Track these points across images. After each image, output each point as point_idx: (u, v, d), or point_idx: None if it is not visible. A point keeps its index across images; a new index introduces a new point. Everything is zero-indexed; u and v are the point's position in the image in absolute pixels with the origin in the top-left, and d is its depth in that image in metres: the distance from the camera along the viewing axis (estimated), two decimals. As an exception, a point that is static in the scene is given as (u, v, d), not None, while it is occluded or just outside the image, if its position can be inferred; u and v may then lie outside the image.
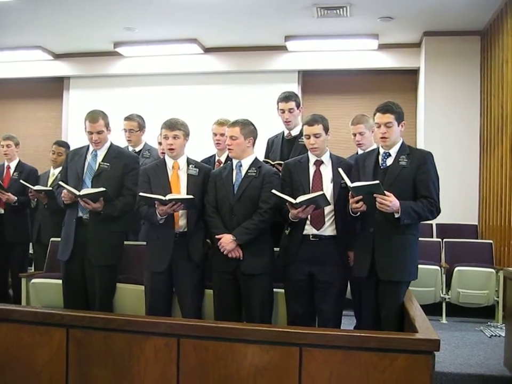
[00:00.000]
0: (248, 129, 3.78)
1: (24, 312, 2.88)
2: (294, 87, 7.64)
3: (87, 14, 6.68)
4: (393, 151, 3.49)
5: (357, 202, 3.35)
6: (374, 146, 4.12)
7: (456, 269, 5.65)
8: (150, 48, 7.83)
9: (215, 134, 4.47)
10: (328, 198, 3.50)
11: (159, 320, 2.83)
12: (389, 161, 3.49)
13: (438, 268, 5.71)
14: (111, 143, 4.13)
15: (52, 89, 8.83)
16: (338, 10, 6.36)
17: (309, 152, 3.78)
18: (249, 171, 3.74)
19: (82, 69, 8.47)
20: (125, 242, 4.18)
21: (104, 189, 3.79)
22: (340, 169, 3.46)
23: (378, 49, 7.54)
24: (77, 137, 7.57)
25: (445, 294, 5.72)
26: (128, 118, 5.04)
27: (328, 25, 6.86)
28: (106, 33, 7.50)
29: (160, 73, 8.22)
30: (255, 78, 7.98)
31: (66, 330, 2.77)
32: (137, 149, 5.00)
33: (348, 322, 4.45)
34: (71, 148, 5.59)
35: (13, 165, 5.64)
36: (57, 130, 8.68)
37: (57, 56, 8.44)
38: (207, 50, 7.92)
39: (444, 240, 6.17)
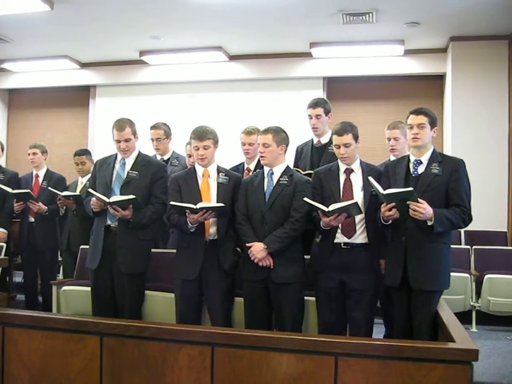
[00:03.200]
0: (280, 136, 3.77)
1: (59, 320, 2.89)
2: (319, 94, 7.62)
3: (114, 24, 6.75)
4: (425, 159, 3.46)
5: (390, 209, 3.32)
6: (407, 153, 4.09)
7: (486, 276, 5.57)
8: (175, 56, 7.88)
9: (243, 144, 4.45)
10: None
11: (193, 328, 2.81)
12: (421, 169, 3.45)
13: (467, 275, 5.64)
14: (139, 152, 4.15)
15: (78, 97, 8.93)
16: (364, 17, 6.33)
17: (339, 160, 3.76)
18: (281, 179, 3.73)
19: (109, 77, 8.55)
20: (155, 250, 4.20)
21: (134, 197, 3.80)
22: (370, 178, 3.44)
23: (404, 54, 7.49)
24: (103, 146, 7.71)
25: (474, 302, 5.64)
26: (154, 127, 5.08)
27: (353, 31, 6.84)
28: (132, 42, 7.56)
29: (186, 81, 8.26)
30: (280, 85, 7.98)
31: (100, 338, 2.77)
32: (165, 157, 5.04)
33: (377, 331, 4.39)
34: (95, 154, 5.69)
35: (41, 173, 5.70)
36: (84, 139, 8.77)
37: (84, 65, 8.54)
38: (232, 57, 7.94)
39: (473, 247, 6.09)
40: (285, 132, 3.82)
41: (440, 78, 7.71)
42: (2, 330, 2.93)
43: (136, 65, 8.31)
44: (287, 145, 3.84)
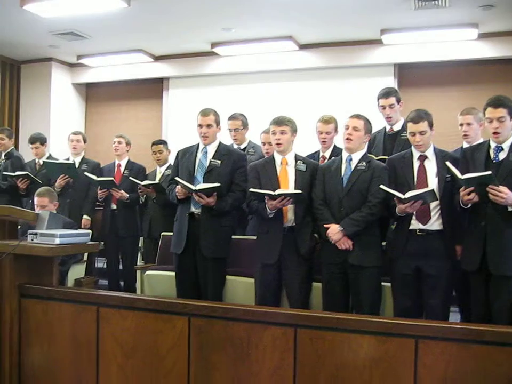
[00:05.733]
0: (369, 126, 3.91)
1: (149, 301, 3.05)
2: (390, 81, 7.56)
3: (186, 17, 6.91)
4: (506, 145, 3.44)
5: (468, 194, 3.32)
6: (480, 140, 4.07)
7: None
8: (246, 47, 7.98)
9: (320, 132, 4.53)
10: None
11: (277, 310, 2.94)
12: (502, 155, 3.44)
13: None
14: (220, 142, 4.30)
15: (152, 90, 9.16)
16: (437, 1, 6.23)
17: (412, 147, 3.79)
18: (358, 165, 3.81)
19: (181, 69, 8.73)
20: (234, 237, 4.35)
21: (219, 184, 3.95)
22: (448, 163, 3.46)
23: (478, 38, 7.28)
24: (177, 136, 7.95)
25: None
26: (232, 118, 5.21)
27: (425, 16, 6.72)
28: (204, 34, 7.71)
29: (256, 71, 8.33)
30: (351, 73, 7.94)
31: (188, 319, 2.91)
32: (242, 147, 5.17)
33: (452, 318, 4.39)
34: (169, 144, 5.91)
35: (123, 163, 5.97)
36: (158, 129, 9.00)
37: (157, 58, 8.76)
38: (302, 46, 7.96)
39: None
40: (371, 125, 3.94)
41: (517, 61, 7.48)
42: (97, 311, 3.12)
43: (207, 57, 8.45)
44: (369, 136, 3.97)
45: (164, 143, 5.95)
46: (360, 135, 3.82)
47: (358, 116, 3.88)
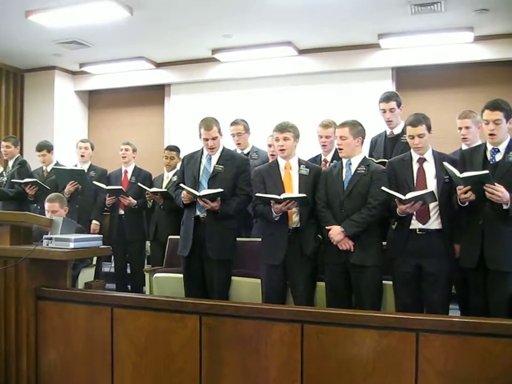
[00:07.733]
0: (356, 129, 3.98)
1: (161, 301, 3.18)
2: (389, 84, 7.69)
3: (187, 25, 7.03)
4: (502, 147, 3.58)
5: (465, 192, 3.45)
6: (479, 142, 4.20)
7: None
8: (246, 53, 8.09)
9: (320, 137, 4.67)
10: None
11: (284, 308, 3.08)
12: (498, 157, 3.58)
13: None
14: (223, 147, 4.43)
15: (154, 96, 9.27)
16: (433, 6, 6.36)
17: (411, 150, 3.92)
18: (358, 169, 3.94)
19: (182, 75, 8.83)
20: (240, 239, 4.47)
21: (222, 190, 4.08)
22: (445, 163, 3.59)
23: (474, 41, 7.42)
24: (179, 141, 8.02)
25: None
26: (234, 123, 5.36)
27: (422, 21, 6.85)
28: (205, 41, 7.82)
29: (256, 76, 8.44)
30: (349, 77, 8.06)
31: (199, 317, 3.03)
32: (245, 151, 5.31)
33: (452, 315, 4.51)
34: (181, 151, 6.03)
35: (129, 169, 6.09)
36: (160, 135, 9.10)
37: (159, 65, 8.88)
38: (302, 51, 8.08)
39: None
40: (361, 125, 4.02)
41: (512, 63, 7.61)
42: (111, 311, 3.23)
43: (208, 63, 8.56)
44: (363, 138, 4.04)
45: (178, 150, 6.02)
46: (348, 142, 3.94)
47: (341, 125, 4.01)
